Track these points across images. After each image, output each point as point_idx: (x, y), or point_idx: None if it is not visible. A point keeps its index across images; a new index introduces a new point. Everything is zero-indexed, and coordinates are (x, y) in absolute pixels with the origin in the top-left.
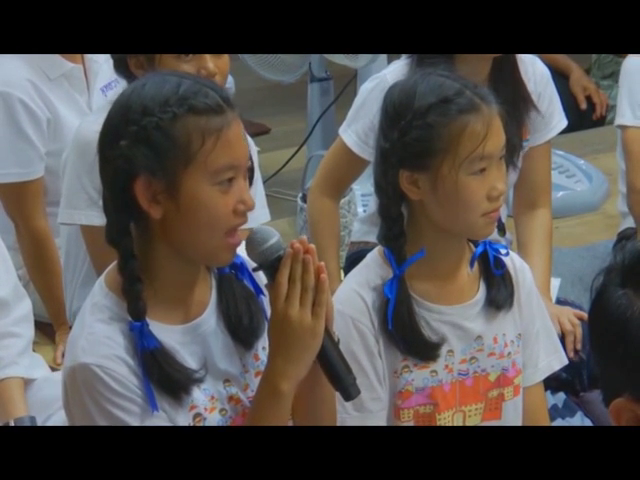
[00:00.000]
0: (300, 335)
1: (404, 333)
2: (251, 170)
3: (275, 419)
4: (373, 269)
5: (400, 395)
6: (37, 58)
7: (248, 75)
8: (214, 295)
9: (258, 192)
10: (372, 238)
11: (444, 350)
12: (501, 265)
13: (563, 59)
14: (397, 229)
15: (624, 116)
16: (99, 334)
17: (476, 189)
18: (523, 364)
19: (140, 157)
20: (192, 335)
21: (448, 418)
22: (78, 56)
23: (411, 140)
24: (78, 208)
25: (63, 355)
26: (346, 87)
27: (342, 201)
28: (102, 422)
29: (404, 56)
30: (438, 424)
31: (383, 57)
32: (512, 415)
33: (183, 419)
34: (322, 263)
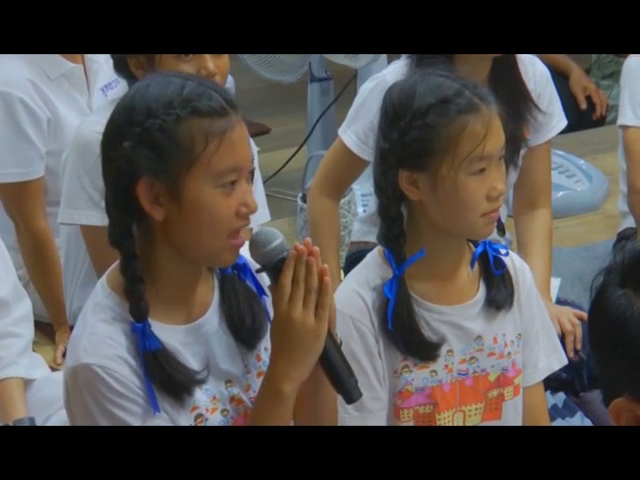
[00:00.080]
0: (303, 337)
1: (404, 333)
2: (251, 171)
3: (277, 420)
4: (373, 269)
5: (400, 395)
6: (37, 58)
7: (248, 75)
8: (216, 295)
9: (258, 192)
10: (372, 238)
11: (444, 350)
12: (501, 265)
13: (563, 59)
14: (397, 229)
15: (626, 116)
16: (101, 334)
17: (475, 189)
18: (523, 364)
19: (143, 159)
20: (194, 335)
21: (448, 418)
22: (78, 56)
23: (410, 140)
24: (78, 208)
25: (63, 355)
26: (346, 87)
27: (342, 201)
28: (103, 422)
29: (404, 56)
30: (438, 424)
31: (383, 57)
32: (512, 415)
33: (185, 420)
34: (325, 265)
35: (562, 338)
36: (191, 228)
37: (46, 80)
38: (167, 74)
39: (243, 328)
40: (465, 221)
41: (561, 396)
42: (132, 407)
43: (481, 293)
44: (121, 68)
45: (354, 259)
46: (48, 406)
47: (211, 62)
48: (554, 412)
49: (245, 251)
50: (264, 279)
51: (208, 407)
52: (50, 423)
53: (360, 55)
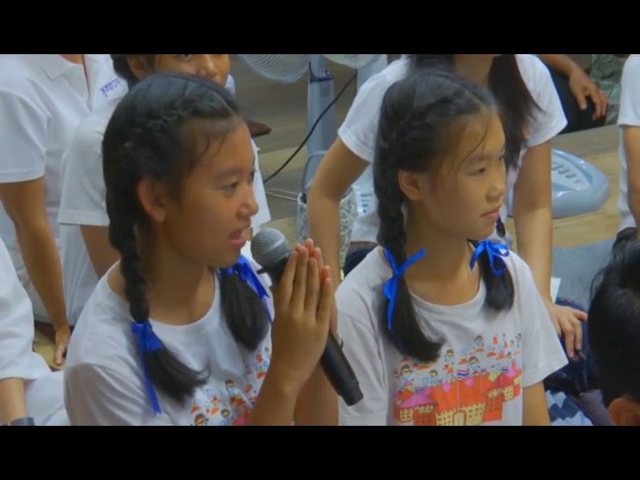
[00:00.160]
0: (304, 338)
1: (404, 333)
2: (252, 172)
3: (277, 421)
4: (373, 269)
5: (400, 395)
6: (37, 58)
7: (248, 75)
8: (217, 296)
9: (258, 192)
10: (372, 238)
11: (444, 350)
12: (501, 265)
13: (563, 59)
14: (396, 229)
15: (626, 116)
16: (102, 334)
17: (475, 189)
18: (523, 364)
19: (144, 159)
20: (195, 336)
21: (448, 418)
22: (78, 56)
23: (410, 140)
24: (78, 208)
25: (63, 355)
26: (346, 87)
27: (342, 201)
28: (104, 423)
29: (404, 56)
30: (438, 424)
31: (383, 57)
32: (512, 415)
33: (185, 420)
34: (327, 267)
35: (562, 338)
36: (192, 229)
37: (46, 80)
38: (169, 75)
39: (244, 328)
40: (465, 221)
41: (561, 396)
42: (132, 407)
43: (481, 293)
44: (121, 68)
45: (354, 259)
46: (48, 406)
47: (211, 62)
48: (554, 412)
49: (246, 251)
50: (265, 279)
51: (209, 407)
52: (50, 423)
53: (360, 55)
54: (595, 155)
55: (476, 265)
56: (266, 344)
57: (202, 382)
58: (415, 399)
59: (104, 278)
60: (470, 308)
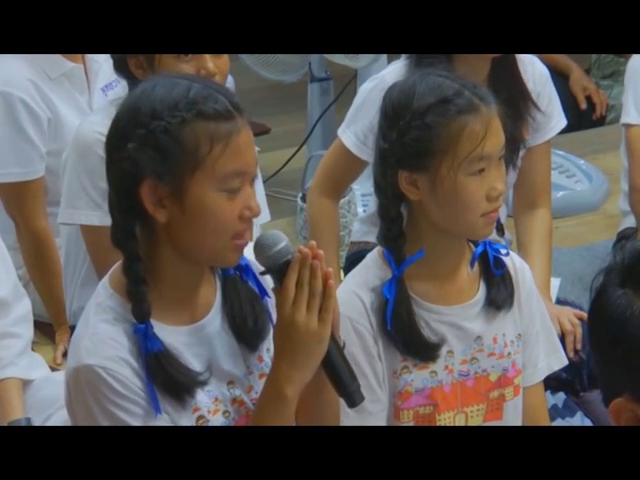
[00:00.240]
0: (306, 340)
1: (403, 334)
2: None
3: (278, 423)
4: (372, 270)
5: (400, 396)
6: (38, 58)
7: (248, 75)
8: (219, 296)
9: (258, 192)
10: (372, 238)
11: (444, 351)
12: (501, 265)
13: (563, 59)
14: (396, 229)
15: (629, 115)
16: (103, 335)
17: (475, 189)
18: (523, 364)
19: (147, 160)
20: (197, 336)
21: (448, 419)
22: (79, 56)
23: (410, 140)
24: (78, 208)
25: (63, 355)
26: (346, 87)
27: (342, 201)
28: (105, 423)
29: (403, 56)
30: (438, 425)
31: (383, 57)
32: (512, 415)
33: (186, 421)
34: (330, 269)
35: (562, 338)
36: (194, 230)
37: (46, 80)
38: (173, 76)
39: (245, 329)
40: (465, 221)
41: (561, 396)
42: (133, 408)
43: (481, 293)
44: (121, 68)
45: (354, 259)
46: (48, 406)
47: (211, 62)
48: (554, 412)
49: (248, 252)
50: (266, 280)
51: (210, 408)
52: (50, 423)
53: (360, 55)
54: (595, 155)
55: (476, 265)
56: (267, 345)
57: (203, 383)
58: (415, 400)
59: (106, 278)
60: (470, 308)
